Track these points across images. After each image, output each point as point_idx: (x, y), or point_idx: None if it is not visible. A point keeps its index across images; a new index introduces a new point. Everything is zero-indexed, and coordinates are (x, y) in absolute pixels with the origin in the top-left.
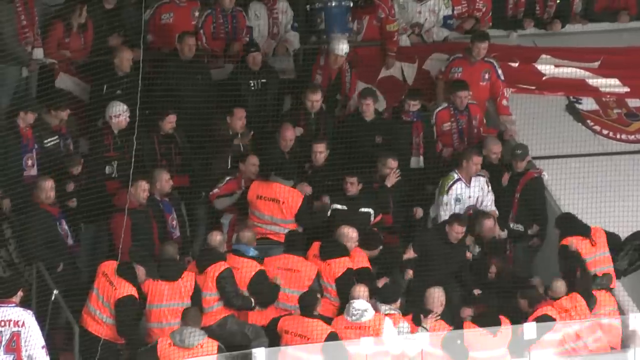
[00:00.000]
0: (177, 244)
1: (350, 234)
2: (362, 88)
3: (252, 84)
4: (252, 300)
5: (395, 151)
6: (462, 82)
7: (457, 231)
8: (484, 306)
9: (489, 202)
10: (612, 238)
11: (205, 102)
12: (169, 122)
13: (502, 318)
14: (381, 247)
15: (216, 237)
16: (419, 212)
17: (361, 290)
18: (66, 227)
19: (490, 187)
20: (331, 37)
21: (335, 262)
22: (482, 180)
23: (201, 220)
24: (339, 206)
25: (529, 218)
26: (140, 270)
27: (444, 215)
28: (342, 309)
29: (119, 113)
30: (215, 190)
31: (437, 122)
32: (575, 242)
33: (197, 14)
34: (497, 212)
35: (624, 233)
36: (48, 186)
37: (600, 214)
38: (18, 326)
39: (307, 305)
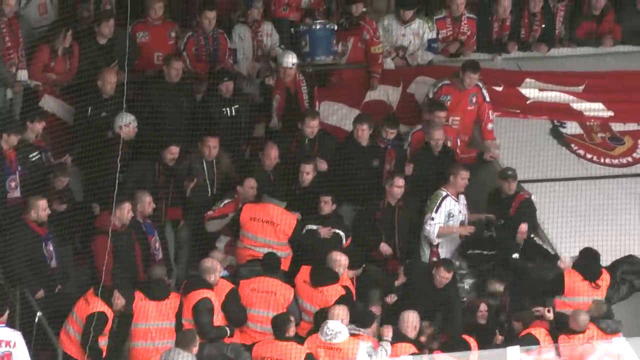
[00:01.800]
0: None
1: (340, 260)
2: (358, 114)
3: (224, 111)
4: (227, 329)
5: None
6: (440, 102)
7: (443, 275)
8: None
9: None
10: None
11: (188, 126)
12: (170, 154)
13: (470, 341)
14: (363, 265)
15: (206, 263)
16: (385, 248)
17: (340, 311)
18: (52, 249)
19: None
20: (280, 52)
21: (328, 290)
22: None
23: (184, 243)
24: (310, 226)
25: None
26: (120, 300)
27: (433, 232)
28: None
29: (128, 122)
30: (210, 212)
31: (412, 143)
32: (571, 278)
33: (173, 34)
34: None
35: (607, 257)
36: (41, 205)
37: (584, 237)
38: (10, 346)
39: (279, 327)
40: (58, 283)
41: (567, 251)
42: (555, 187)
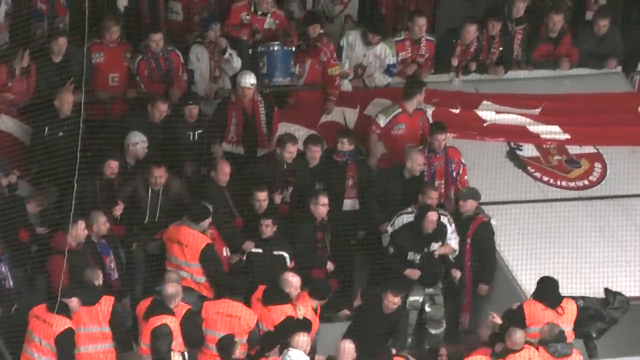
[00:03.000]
0: (98, 271)
1: (291, 281)
2: (309, 134)
3: (188, 134)
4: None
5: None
6: (440, 123)
7: (390, 300)
8: None
9: (451, 239)
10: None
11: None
12: (109, 168)
13: None
14: (330, 296)
15: (169, 289)
16: (330, 266)
17: (303, 340)
18: (5, 270)
19: (453, 226)
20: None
21: (275, 309)
22: (443, 217)
23: (139, 264)
24: (253, 249)
25: (479, 263)
26: (73, 302)
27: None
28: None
29: (135, 142)
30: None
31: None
32: (532, 308)
33: (129, 55)
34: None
35: (563, 280)
36: None
37: (539, 260)
38: None
39: (224, 349)
40: (15, 303)
41: (523, 274)
42: (511, 210)
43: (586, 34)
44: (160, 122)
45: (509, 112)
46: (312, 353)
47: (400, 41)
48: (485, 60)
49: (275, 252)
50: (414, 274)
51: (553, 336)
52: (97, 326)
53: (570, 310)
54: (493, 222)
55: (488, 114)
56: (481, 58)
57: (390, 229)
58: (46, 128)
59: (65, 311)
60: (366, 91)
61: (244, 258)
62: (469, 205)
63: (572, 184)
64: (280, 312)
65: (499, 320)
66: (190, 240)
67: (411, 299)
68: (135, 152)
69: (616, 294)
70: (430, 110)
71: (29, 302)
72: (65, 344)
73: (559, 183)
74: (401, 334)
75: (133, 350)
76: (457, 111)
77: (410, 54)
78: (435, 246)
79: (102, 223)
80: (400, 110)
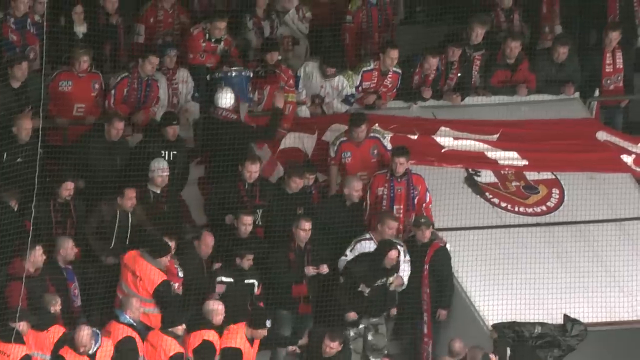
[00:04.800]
0: (57, 297)
1: (218, 309)
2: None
3: (163, 154)
4: None
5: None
6: (402, 147)
7: (328, 345)
8: None
9: (404, 272)
10: None
11: (112, 171)
12: (66, 190)
13: None
14: (268, 327)
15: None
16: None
17: None
18: None
19: (408, 257)
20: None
21: (194, 335)
22: (399, 248)
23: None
24: (224, 279)
25: (437, 288)
26: (21, 325)
27: (340, 267)
28: None
29: (153, 168)
30: None
31: (372, 186)
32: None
33: (97, 86)
34: (402, 281)
35: (520, 306)
36: None
37: (497, 286)
38: None
39: None
40: None
41: (481, 300)
42: (469, 236)
43: (544, 60)
44: (131, 144)
45: (467, 138)
46: None
47: (368, 71)
48: (443, 86)
49: (247, 281)
50: (353, 316)
51: None
52: (41, 352)
53: None
54: (448, 246)
55: (446, 140)
56: (439, 84)
57: (349, 254)
58: (4, 154)
59: (19, 338)
60: (324, 117)
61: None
62: (427, 234)
63: (530, 210)
64: (197, 338)
65: None
66: (146, 274)
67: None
68: (157, 180)
69: (574, 321)
70: (388, 137)
71: None
72: None
73: (516, 209)
74: None
75: None
76: (415, 137)
77: (374, 84)
78: (390, 279)
79: (69, 248)
80: (344, 138)
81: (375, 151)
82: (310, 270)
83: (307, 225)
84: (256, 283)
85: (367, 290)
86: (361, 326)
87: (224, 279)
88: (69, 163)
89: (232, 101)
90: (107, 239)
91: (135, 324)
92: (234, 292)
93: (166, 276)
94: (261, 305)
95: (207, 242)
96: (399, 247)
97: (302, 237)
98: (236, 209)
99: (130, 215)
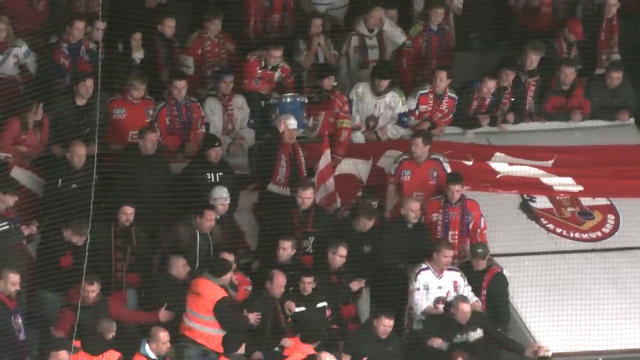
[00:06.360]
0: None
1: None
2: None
3: (208, 176)
4: None
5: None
6: (455, 174)
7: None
8: None
9: (472, 298)
10: None
11: (164, 198)
12: (124, 214)
13: None
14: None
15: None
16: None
17: None
18: (20, 322)
19: (466, 281)
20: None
21: None
22: (456, 275)
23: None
24: (296, 309)
25: (493, 314)
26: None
27: (416, 303)
28: None
29: (215, 197)
30: None
31: (427, 212)
32: None
33: (151, 112)
34: (479, 303)
35: (575, 332)
36: (13, 280)
37: (552, 312)
38: None
39: None
40: (27, 355)
41: (536, 326)
42: (524, 262)
43: (598, 86)
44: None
45: (522, 164)
46: None
47: (424, 94)
48: (496, 112)
49: (319, 305)
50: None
51: None
52: None
53: None
54: (505, 272)
55: (501, 165)
56: (493, 110)
57: (412, 286)
58: (59, 180)
59: None
60: (379, 143)
61: (289, 320)
62: (481, 264)
63: (585, 236)
64: None
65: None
66: (206, 291)
67: None
68: (217, 207)
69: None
70: (448, 160)
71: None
72: None
73: (572, 235)
74: None
75: None
76: (470, 163)
77: (431, 109)
78: (472, 335)
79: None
80: (407, 156)
81: (435, 173)
82: (355, 286)
83: (344, 251)
84: (326, 305)
85: (445, 346)
86: None
87: (296, 309)
88: (122, 188)
89: (296, 126)
90: (191, 262)
91: (156, 358)
92: (310, 319)
93: (225, 294)
94: (335, 327)
95: (279, 283)
96: (459, 275)
97: (338, 263)
98: (286, 235)
99: (209, 236)
